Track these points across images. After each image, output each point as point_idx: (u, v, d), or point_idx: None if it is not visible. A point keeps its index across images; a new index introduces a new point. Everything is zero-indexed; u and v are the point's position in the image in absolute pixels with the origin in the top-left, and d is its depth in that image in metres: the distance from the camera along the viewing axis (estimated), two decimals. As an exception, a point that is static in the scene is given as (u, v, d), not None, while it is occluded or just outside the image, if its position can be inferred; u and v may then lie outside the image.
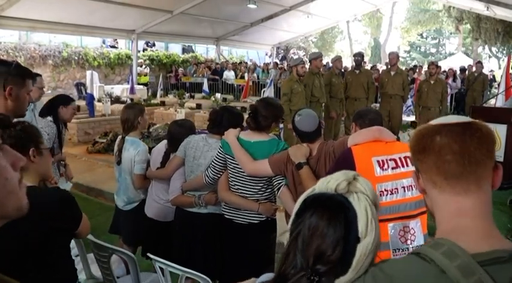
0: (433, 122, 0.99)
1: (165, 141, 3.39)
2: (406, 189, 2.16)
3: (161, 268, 2.41)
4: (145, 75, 16.40)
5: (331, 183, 1.06)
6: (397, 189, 2.16)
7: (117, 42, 18.27)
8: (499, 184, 0.94)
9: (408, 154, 2.21)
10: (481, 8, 13.53)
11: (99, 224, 3.96)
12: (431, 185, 0.96)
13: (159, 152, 3.35)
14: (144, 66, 16.63)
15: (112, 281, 2.66)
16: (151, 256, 2.45)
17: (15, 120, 2.17)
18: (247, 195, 2.77)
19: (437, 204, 0.96)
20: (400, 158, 2.20)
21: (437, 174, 0.94)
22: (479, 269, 0.82)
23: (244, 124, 2.89)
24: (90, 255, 2.84)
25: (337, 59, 8.25)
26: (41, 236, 1.80)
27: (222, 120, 2.96)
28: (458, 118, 0.98)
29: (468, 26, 24.47)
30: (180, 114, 9.58)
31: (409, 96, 8.64)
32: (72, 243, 2.83)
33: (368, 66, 16.94)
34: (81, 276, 2.91)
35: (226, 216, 2.86)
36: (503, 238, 0.90)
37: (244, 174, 2.72)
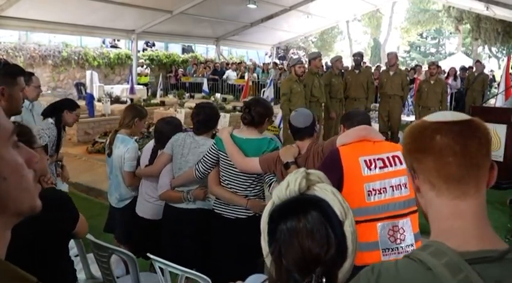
0: (430, 119, 0.93)
1: (153, 140, 3.43)
2: (394, 188, 2.16)
3: (161, 268, 2.41)
4: (146, 75, 16.39)
5: (292, 186, 1.02)
6: (385, 188, 2.16)
7: (116, 42, 18.26)
8: (493, 183, 0.91)
9: (397, 153, 2.23)
10: (480, 8, 13.54)
11: (99, 224, 3.95)
12: (428, 187, 0.92)
13: (148, 150, 3.39)
14: (145, 67, 16.61)
15: (112, 281, 2.66)
16: (151, 256, 2.45)
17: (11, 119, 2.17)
18: (237, 191, 2.84)
19: (433, 206, 0.92)
20: (388, 157, 2.21)
21: (437, 176, 0.89)
22: (466, 267, 0.80)
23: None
24: (90, 255, 2.84)
25: (338, 60, 8.25)
26: (38, 237, 1.79)
27: (207, 119, 3.04)
28: (454, 115, 0.93)
29: (468, 26, 24.49)
30: (180, 114, 9.56)
31: (409, 96, 8.64)
32: (72, 243, 2.84)
33: (371, 66, 16.91)
34: (81, 275, 2.91)
35: (215, 210, 2.92)
36: (498, 239, 0.88)
37: (236, 170, 2.79)
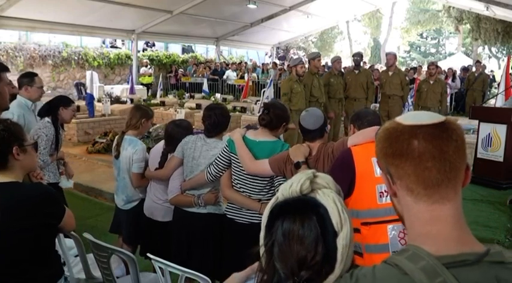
0: (405, 122, 0.91)
1: (163, 141, 3.40)
2: None
3: (161, 268, 2.41)
4: (150, 75, 16.37)
5: (294, 186, 1.03)
6: None
7: (123, 43, 18.28)
8: (468, 183, 0.91)
9: None
10: (480, 8, 13.53)
11: (99, 224, 3.96)
12: (406, 192, 0.90)
13: (157, 152, 3.35)
14: (148, 66, 16.60)
15: (112, 281, 2.65)
16: (151, 256, 2.44)
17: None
18: (249, 195, 2.78)
19: (410, 211, 0.91)
20: None
21: (415, 182, 0.88)
22: (444, 271, 0.79)
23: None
24: (90, 255, 2.83)
25: (336, 60, 8.27)
26: (23, 232, 1.83)
27: (219, 121, 2.99)
28: (430, 116, 0.90)
29: (468, 26, 24.43)
30: (180, 114, 9.58)
31: (409, 96, 8.63)
32: (72, 243, 2.84)
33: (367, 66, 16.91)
34: (81, 275, 2.91)
35: (228, 215, 2.87)
36: (475, 242, 0.87)
37: (247, 174, 2.73)
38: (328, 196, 1.02)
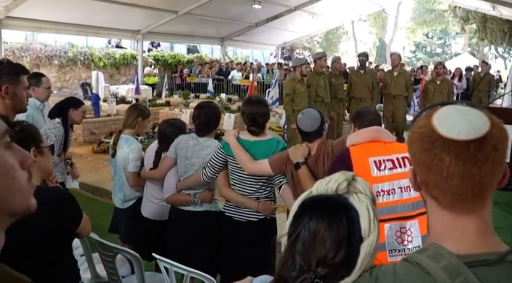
0: (439, 128, 0.83)
1: (157, 141, 3.42)
2: (403, 189, 2.14)
3: (166, 268, 2.42)
4: (155, 75, 16.39)
5: (331, 183, 1.02)
6: (394, 189, 2.14)
7: (120, 41, 18.30)
8: (501, 186, 0.87)
9: (406, 154, 2.19)
10: (487, 8, 13.48)
11: (105, 224, 3.96)
12: (430, 197, 0.88)
13: (152, 152, 3.37)
14: (153, 67, 16.63)
15: (117, 281, 2.66)
16: (157, 256, 2.46)
17: (15, 119, 2.18)
18: (247, 194, 2.81)
19: (433, 212, 0.89)
20: (397, 158, 2.19)
21: (440, 194, 0.85)
22: (465, 269, 0.79)
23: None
24: (95, 254, 2.85)
25: (336, 60, 8.28)
26: (41, 236, 1.82)
27: (209, 120, 2.99)
28: (471, 128, 0.81)
29: (474, 26, 24.30)
30: (185, 115, 9.58)
31: (414, 97, 8.61)
32: (77, 243, 2.86)
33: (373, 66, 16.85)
34: (86, 275, 2.92)
35: (226, 213, 2.90)
36: (499, 244, 0.85)
37: (245, 173, 2.76)
38: (362, 202, 1.01)
